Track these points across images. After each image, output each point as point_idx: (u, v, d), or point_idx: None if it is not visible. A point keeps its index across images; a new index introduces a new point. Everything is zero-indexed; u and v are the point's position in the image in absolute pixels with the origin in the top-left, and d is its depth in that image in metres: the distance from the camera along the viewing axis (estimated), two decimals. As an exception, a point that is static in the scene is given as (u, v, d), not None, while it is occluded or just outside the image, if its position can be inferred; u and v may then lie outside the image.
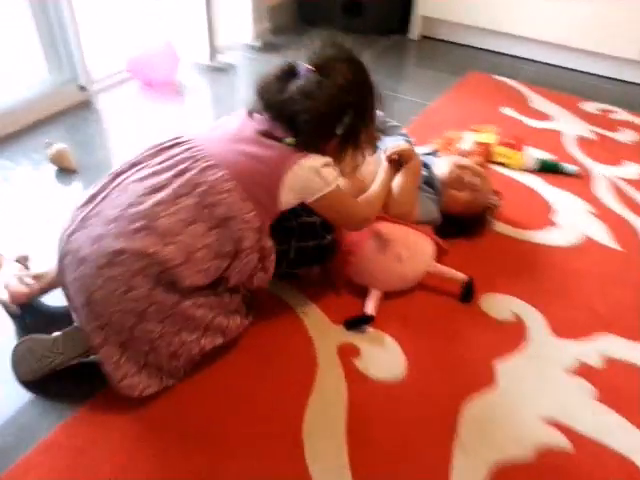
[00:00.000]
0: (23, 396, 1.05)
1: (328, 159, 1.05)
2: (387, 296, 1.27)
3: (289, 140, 1.01)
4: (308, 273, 1.27)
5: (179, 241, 0.93)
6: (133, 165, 1.01)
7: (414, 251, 1.25)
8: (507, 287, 1.35)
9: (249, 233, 0.99)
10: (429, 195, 1.41)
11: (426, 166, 1.47)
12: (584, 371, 1.16)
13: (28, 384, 1.06)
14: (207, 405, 1.05)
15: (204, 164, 0.97)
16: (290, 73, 1.03)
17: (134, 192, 0.96)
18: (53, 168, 1.67)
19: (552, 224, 1.60)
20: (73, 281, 0.96)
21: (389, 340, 1.19)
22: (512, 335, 1.23)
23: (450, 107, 2.21)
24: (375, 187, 1.28)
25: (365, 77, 1.06)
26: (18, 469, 0.93)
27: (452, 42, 2.82)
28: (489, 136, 1.85)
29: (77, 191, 1.61)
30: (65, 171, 1.66)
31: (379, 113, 1.46)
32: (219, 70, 2.36)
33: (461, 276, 1.28)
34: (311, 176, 1.02)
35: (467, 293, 1.27)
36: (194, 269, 0.95)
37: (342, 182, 1.14)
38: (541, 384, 1.13)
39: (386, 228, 1.24)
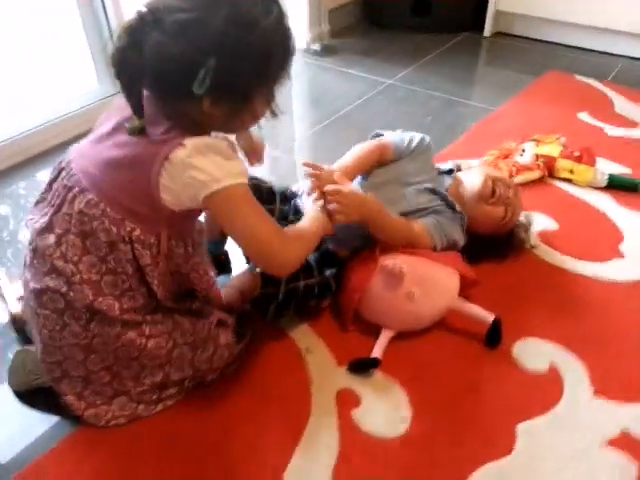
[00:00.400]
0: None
1: (218, 141, 0.85)
2: (402, 336, 1.14)
3: (134, 124, 0.82)
4: (317, 305, 1.17)
5: (80, 279, 0.87)
6: (36, 204, 0.97)
7: (430, 287, 1.11)
8: (546, 330, 1.18)
9: (144, 251, 0.87)
10: (446, 214, 1.25)
11: (435, 192, 1.30)
12: (627, 443, 0.97)
13: (19, 394, 1.06)
14: (184, 438, 0.99)
15: (74, 192, 0.87)
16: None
17: (35, 233, 0.92)
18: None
19: (617, 254, 1.38)
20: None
21: (396, 388, 1.06)
22: (544, 391, 1.06)
23: (518, 113, 2.01)
24: (306, 223, 1.02)
25: (244, 19, 0.78)
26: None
27: (531, 38, 2.58)
28: (553, 148, 1.65)
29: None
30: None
31: (397, 134, 1.34)
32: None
33: (487, 316, 1.12)
34: (188, 172, 0.82)
35: (493, 336, 1.11)
36: (112, 297, 0.88)
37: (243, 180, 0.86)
38: (569, 457, 0.95)
39: (397, 260, 1.10)
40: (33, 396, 1.04)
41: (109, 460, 0.96)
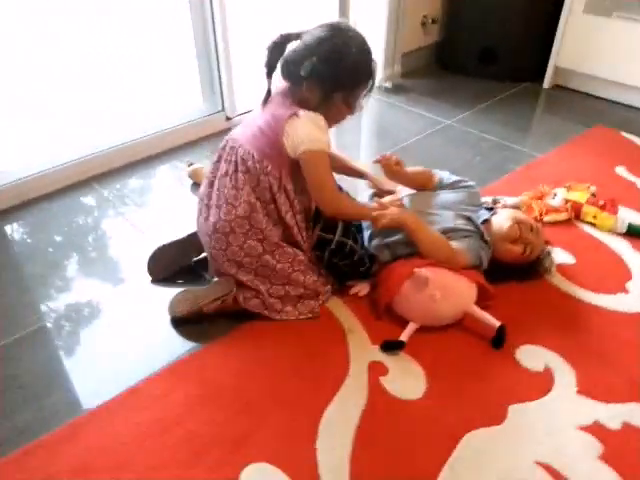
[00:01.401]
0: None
1: (320, 119, 1.35)
2: (424, 329, 1.43)
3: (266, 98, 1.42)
4: (358, 293, 1.52)
5: (242, 201, 1.38)
6: (212, 164, 1.49)
7: (450, 293, 1.40)
8: (548, 341, 1.43)
9: (273, 181, 1.37)
10: (477, 240, 1.52)
11: (471, 220, 1.58)
12: (597, 430, 1.21)
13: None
14: (244, 374, 1.34)
15: (236, 148, 1.40)
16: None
17: (213, 178, 1.46)
18: (189, 181, 2.08)
19: (623, 290, 1.61)
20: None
21: (416, 366, 1.35)
22: (537, 385, 1.32)
23: (560, 161, 2.25)
24: (358, 204, 1.57)
25: (338, 41, 1.32)
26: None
27: (587, 93, 2.80)
28: (581, 195, 1.89)
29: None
30: (198, 185, 2.05)
31: (446, 175, 1.66)
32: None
33: (495, 322, 1.39)
34: (299, 130, 1.33)
35: (498, 339, 1.38)
36: (259, 216, 1.38)
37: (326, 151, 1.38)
38: (548, 433, 1.21)
39: (427, 270, 1.40)
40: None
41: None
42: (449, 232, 1.52)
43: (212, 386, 1.31)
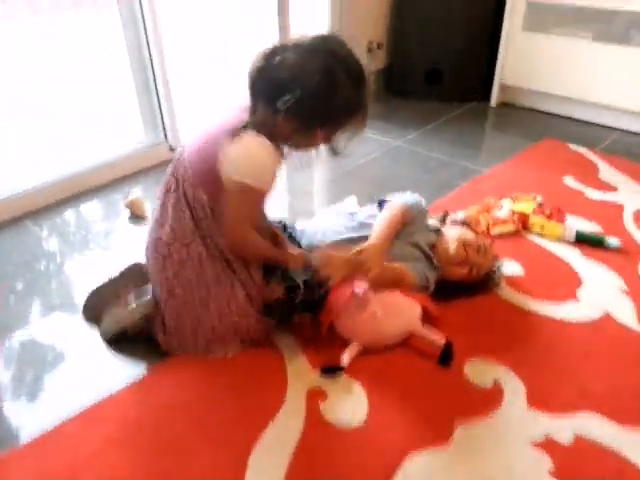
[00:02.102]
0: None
1: (270, 151, 1.14)
2: (368, 350, 1.35)
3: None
4: (301, 320, 1.41)
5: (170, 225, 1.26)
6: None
7: (392, 311, 1.33)
8: (498, 355, 1.36)
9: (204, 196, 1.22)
10: (425, 263, 1.49)
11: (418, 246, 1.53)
12: (548, 446, 1.14)
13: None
14: (168, 409, 1.24)
15: (181, 162, 1.25)
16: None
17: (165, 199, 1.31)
18: (127, 213, 2.00)
19: (574, 298, 1.57)
20: None
21: (358, 389, 1.27)
22: (485, 401, 1.25)
23: (508, 175, 2.24)
24: (282, 251, 1.37)
25: (333, 73, 1.10)
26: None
27: (533, 109, 2.84)
28: (527, 205, 1.87)
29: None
30: (137, 217, 1.98)
31: (405, 196, 1.60)
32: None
33: (440, 339, 1.33)
34: (240, 158, 1.15)
35: (445, 356, 1.31)
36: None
37: (259, 185, 1.18)
38: (496, 451, 1.14)
39: (367, 288, 1.34)
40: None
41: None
42: (398, 260, 1.47)
43: (132, 426, 1.20)
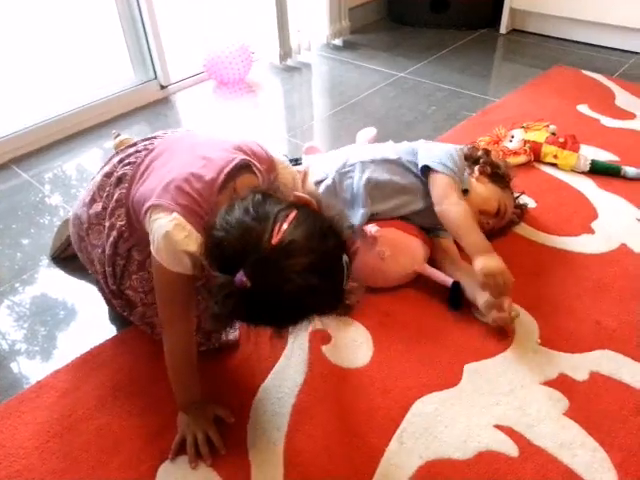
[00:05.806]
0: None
1: (180, 223, 0.87)
2: (374, 291, 1.29)
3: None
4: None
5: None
6: None
7: (399, 250, 1.26)
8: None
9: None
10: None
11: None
12: (562, 384, 1.09)
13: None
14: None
15: (148, 154, 1.05)
16: None
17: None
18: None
19: (589, 230, 1.49)
20: None
21: (362, 331, 1.22)
22: (496, 340, 1.19)
23: (519, 104, 2.11)
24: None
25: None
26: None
27: (545, 35, 2.66)
28: (539, 134, 1.76)
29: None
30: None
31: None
32: (293, 69, 2.49)
33: (447, 279, 1.26)
34: (162, 238, 0.88)
35: (453, 297, 1.25)
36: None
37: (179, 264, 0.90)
38: (508, 391, 1.09)
39: (377, 228, 1.26)
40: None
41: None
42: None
43: (128, 376, 1.16)
